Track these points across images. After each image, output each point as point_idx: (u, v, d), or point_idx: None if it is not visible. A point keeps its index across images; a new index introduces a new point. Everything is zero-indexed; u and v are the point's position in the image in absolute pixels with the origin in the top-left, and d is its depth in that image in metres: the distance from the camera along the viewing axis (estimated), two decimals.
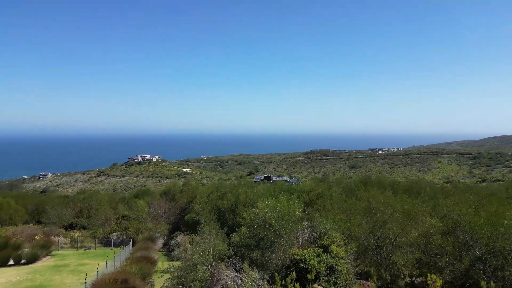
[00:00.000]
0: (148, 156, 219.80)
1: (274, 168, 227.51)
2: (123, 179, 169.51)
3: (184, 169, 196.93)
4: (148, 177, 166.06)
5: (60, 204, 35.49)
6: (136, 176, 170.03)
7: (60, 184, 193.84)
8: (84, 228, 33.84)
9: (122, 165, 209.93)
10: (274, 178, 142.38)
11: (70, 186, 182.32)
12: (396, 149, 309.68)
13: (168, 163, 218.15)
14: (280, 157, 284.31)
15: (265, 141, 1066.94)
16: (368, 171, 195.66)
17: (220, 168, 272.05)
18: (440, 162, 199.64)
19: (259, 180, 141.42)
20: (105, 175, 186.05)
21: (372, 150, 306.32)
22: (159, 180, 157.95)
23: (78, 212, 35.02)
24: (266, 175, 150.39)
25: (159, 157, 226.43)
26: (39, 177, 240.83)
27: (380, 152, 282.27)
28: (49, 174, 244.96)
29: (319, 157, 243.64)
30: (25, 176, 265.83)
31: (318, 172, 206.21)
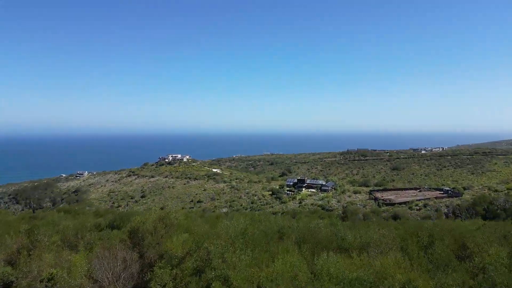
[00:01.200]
0: (179, 156, 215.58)
1: (308, 169, 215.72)
2: (152, 179, 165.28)
3: (214, 169, 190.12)
4: (177, 177, 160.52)
5: None
6: (166, 177, 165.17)
7: (92, 184, 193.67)
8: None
9: (153, 165, 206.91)
10: (308, 181, 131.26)
11: (101, 186, 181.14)
12: (440, 149, 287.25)
13: (198, 163, 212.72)
14: (314, 157, 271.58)
15: (298, 141, 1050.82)
16: (412, 173, 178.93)
17: (252, 168, 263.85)
18: (496, 164, 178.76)
19: (291, 183, 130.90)
20: (135, 175, 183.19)
21: (414, 150, 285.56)
22: (187, 181, 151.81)
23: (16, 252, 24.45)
24: (299, 177, 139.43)
25: (189, 157, 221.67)
26: (76, 176, 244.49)
27: (423, 152, 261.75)
28: (86, 173, 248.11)
29: (357, 158, 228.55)
30: (63, 175, 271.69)
31: (356, 174, 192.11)
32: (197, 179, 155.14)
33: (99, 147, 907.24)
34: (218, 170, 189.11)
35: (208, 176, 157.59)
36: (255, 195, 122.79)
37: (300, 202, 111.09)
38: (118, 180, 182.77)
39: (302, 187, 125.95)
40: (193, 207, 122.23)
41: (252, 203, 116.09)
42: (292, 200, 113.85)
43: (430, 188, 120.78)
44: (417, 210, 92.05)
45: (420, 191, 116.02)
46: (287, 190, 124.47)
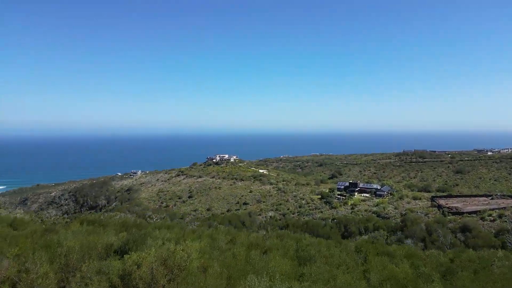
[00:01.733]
0: (226, 156, 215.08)
1: (360, 172, 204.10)
2: (199, 179, 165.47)
3: (261, 170, 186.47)
4: (224, 178, 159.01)
5: None
6: (213, 177, 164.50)
7: (143, 183, 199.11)
8: None
9: (201, 165, 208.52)
10: (361, 185, 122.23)
11: (152, 185, 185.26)
12: (510, 150, 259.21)
13: (245, 163, 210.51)
14: (366, 158, 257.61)
15: (348, 140, 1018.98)
16: (480, 177, 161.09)
17: (300, 170, 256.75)
18: None
19: (342, 187, 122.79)
20: (184, 175, 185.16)
21: (479, 151, 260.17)
22: (234, 182, 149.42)
23: None
24: (351, 181, 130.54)
25: (236, 157, 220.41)
26: (130, 175, 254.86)
27: (490, 153, 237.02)
28: (139, 172, 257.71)
29: (414, 159, 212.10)
30: (119, 174, 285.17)
31: (414, 178, 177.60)
32: (243, 180, 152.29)
33: (156, 146, 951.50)
34: (265, 171, 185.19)
35: (255, 177, 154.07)
36: (303, 199, 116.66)
37: (352, 208, 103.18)
38: (168, 179, 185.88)
39: (354, 191, 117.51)
40: (239, 209, 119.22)
41: (299, 207, 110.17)
42: (344, 205, 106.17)
43: (504, 196, 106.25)
44: (490, 221, 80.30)
45: (492, 199, 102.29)
46: (338, 194, 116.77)
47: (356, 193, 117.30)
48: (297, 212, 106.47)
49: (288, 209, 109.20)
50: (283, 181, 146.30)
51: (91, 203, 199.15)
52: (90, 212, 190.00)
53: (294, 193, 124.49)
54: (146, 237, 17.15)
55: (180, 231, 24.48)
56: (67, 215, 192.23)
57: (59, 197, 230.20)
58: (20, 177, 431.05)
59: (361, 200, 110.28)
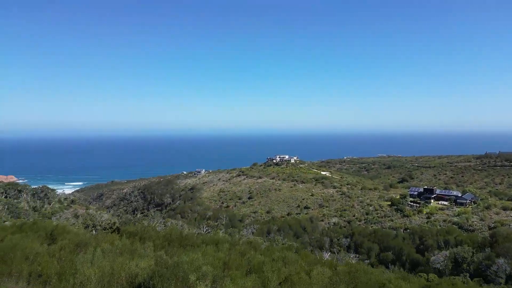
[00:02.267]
0: (287, 157, 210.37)
1: (434, 176, 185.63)
2: (259, 180, 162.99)
3: (323, 172, 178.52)
4: (284, 179, 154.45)
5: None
6: (272, 178, 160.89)
7: (206, 182, 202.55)
8: None
9: (261, 165, 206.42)
10: (438, 191, 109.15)
11: (213, 184, 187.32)
12: None
13: (306, 164, 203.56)
14: (441, 160, 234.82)
15: (419, 141, 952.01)
16: None
17: (365, 172, 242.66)
18: None
19: (415, 192, 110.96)
20: (245, 175, 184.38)
21: None
22: (294, 184, 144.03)
23: None
24: (426, 186, 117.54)
25: (297, 158, 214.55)
26: (194, 173, 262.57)
27: None
28: (203, 171, 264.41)
29: (499, 163, 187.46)
30: (184, 172, 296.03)
31: (500, 183, 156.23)
32: (304, 182, 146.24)
33: (220, 146, 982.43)
34: (327, 173, 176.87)
35: (316, 180, 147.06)
36: (371, 205, 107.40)
37: (428, 217, 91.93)
38: (229, 179, 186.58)
39: (430, 198, 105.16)
40: (299, 213, 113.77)
41: (366, 214, 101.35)
42: (418, 213, 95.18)
43: None
44: None
45: None
46: (411, 201, 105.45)
47: (432, 201, 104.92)
48: (364, 220, 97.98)
49: (353, 216, 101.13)
50: (347, 184, 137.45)
51: (157, 200, 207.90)
52: (157, 209, 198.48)
53: (360, 198, 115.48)
54: (176, 269, 13.17)
55: (227, 253, 20.25)
56: (135, 211, 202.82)
57: (129, 194, 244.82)
58: (97, 174, 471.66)
59: (439, 209, 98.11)
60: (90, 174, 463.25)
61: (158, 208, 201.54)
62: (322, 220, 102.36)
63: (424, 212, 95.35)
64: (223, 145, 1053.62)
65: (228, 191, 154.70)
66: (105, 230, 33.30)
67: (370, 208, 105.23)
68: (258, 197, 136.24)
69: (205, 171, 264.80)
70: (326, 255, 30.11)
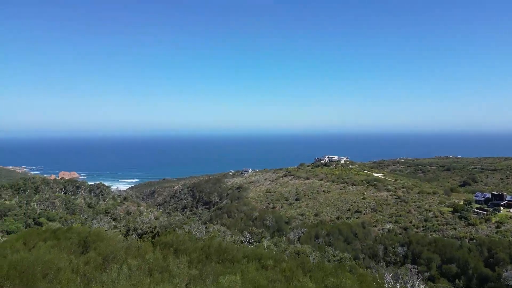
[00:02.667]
0: (336, 157, 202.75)
1: (501, 180, 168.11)
2: (307, 181, 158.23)
3: (375, 174, 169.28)
4: (332, 181, 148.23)
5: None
6: (321, 180, 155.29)
7: (252, 182, 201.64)
8: None
9: (308, 165, 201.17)
10: (508, 197, 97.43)
11: (260, 184, 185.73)
12: None
13: (356, 165, 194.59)
14: (508, 162, 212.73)
15: (480, 141, 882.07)
16: None
17: (422, 174, 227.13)
18: None
19: (481, 198, 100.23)
20: (291, 175, 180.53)
21: None
22: (344, 186, 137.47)
23: None
24: (494, 192, 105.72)
25: (347, 158, 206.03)
26: (242, 172, 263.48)
27: None
28: (250, 170, 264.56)
29: None
30: (232, 171, 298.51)
31: None
32: (355, 185, 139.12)
33: (268, 145, 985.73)
34: (380, 175, 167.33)
35: (368, 182, 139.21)
36: (430, 211, 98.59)
37: (497, 227, 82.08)
38: (275, 179, 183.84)
39: (499, 205, 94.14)
40: (350, 217, 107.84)
41: (425, 220, 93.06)
42: (485, 222, 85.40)
43: None
44: None
45: None
46: (476, 208, 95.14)
47: (502, 208, 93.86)
48: (422, 227, 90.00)
49: (410, 222, 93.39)
50: (402, 187, 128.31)
51: (205, 199, 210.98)
52: (205, 207, 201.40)
53: (418, 203, 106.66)
54: None
55: (271, 273, 17.24)
56: (184, 209, 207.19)
57: (179, 191, 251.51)
58: (150, 172, 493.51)
59: (510, 217, 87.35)
60: (144, 172, 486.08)
61: (206, 206, 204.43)
62: (375, 226, 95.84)
63: (493, 221, 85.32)
64: (268, 144, 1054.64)
65: (275, 192, 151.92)
66: (146, 234, 32.01)
67: (429, 214, 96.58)
68: (306, 198, 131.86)
69: (252, 170, 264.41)
70: (388, 277, 25.90)
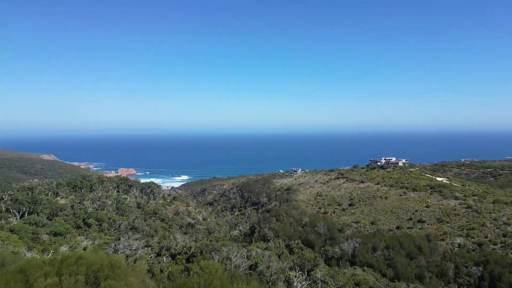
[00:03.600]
0: (393, 159, 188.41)
1: None
2: (361, 185, 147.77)
3: (438, 178, 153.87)
4: (390, 186, 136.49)
5: None
6: (377, 184, 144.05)
7: (302, 184, 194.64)
8: None
9: (363, 167, 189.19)
10: None
11: (310, 186, 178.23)
12: None
13: (416, 168, 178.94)
14: None
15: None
16: None
17: (492, 179, 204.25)
18: None
19: None
20: (344, 178, 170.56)
21: None
22: (404, 192, 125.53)
23: None
24: None
25: (406, 160, 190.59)
26: (291, 173, 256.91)
27: None
28: (299, 170, 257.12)
29: None
30: (281, 171, 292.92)
31: None
32: (416, 190, 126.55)
33: (317, 144, 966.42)
34: (444, 179, 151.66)
35: (432, 188, 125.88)
36: (509, 224, 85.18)
37: None
38: (326, 182, 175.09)
39: None
40: (411, 227, 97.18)
41: (504, 236, 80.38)
42: None
43: None
44: None
45: None
46: None
47: None
48: (501, 243, 77.65)
49: (485, 237, 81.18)
50: (473, 195, 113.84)
51: (254, 199, 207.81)
52: (254, 208, 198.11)
53: (493, 214, 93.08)
54: None
55: None
56: (233, 209, 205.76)
57: (228, 190, 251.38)
58: (202, 169, 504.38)
59: None
60: (196, 169, 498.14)
61: (255, 207, 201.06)
62: (443, 240, 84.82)
63: None
64: (320, 143, 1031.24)
65: (326, 195, 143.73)
66: (179, 255, 27.72)
67: (509, 228, 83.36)
68: (361, 204, 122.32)
69: (302, 170, 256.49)
70: None
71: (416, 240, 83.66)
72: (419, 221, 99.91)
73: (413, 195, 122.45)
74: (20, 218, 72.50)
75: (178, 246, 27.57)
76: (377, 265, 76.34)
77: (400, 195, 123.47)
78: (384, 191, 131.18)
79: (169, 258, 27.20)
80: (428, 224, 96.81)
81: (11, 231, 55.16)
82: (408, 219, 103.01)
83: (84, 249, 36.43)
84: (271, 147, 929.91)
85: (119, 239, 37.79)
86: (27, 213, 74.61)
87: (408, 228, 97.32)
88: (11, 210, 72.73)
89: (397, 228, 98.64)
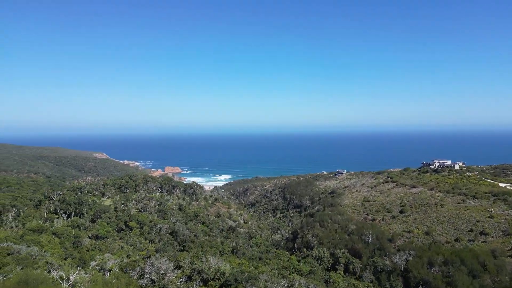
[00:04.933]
0: (448, 162, 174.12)
1: None
2: (413, 190, 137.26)
3: (501, 184, 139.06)
4: (446, 192, 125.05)
5: None
6: (431, 189, 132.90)
7: (347, 187, 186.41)
8: None
9: (414, 171, 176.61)
10: None
11: (356, 190, 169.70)
12: None
13: (475, 172, 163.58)
14: None
15: None
16: None
17: None
18: None
19: None
20: (394, 182, 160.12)
21: None
22: (462, 200, 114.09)
23: None
24: None
25: (462, 163, 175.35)
26: (335, 174, 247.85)
27: None
28: (344, 172, 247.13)
29: None
30: (324, 172, 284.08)
31: None
32: (477, 198, 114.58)
33: (365, 145, 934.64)
34: (508, 185, 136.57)
35: (495, 195, 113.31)
36: None
37: None
38: (374, 185, 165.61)
39: None
40: (472, 240, 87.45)
41: None
42: None
43: None
44: None
45: None
46: None
47: None
48: None
49: None
50: None
51: (296, 201, 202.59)
52: (296, 211, 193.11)
53: None
54: None
55: None
56: (275, 210, 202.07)
57: (270, 191, 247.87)
58: (243, 168, 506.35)
59: None
60: (238, 168, 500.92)
61: (297, 209, 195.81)
62: (511, 256, 74.83)
63: None
64: (365, 144, 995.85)
65: (374, 201, 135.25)
66: (212, 280, 24.59)
67: None
68: (413, 212, 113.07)
69: (347, 172, 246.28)
70: None
71: (480, 255, 74.66)
72: (482, 233, 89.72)
73: (473, 203, 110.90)
74: (67, 218, 74.44)
75: (211, 270, 24.58)
76: (434, 282, 68.96)
77: (458, 203, 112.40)
78: (439, 197, 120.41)
79: (201, 284, 24.24)
80: (493, 238, 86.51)
81: (54, 234, 56.26)
82: (468, 231, 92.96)
83: (109, 270, 34.86)
84: (314, 147, 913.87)
85: (149, 257, 35.87)
86: (74, 214, 76.53)
87: (469, 241, 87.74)
88: (58, 211, 75.05)
89: (456, 240, 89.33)
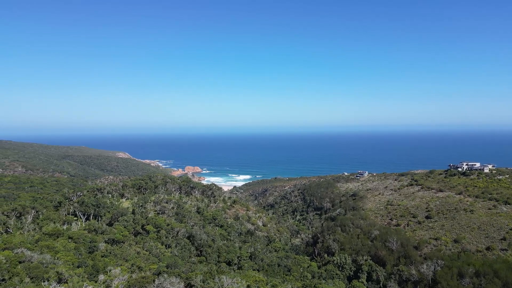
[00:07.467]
0: (477, 164, 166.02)
1: None
2: (440, 194, 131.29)
3: None
4: (476, 197, 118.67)
5: None
6: (459, 194, 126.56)
7: (370, 189, 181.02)
8: None
9: (441, 174, 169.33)
10: None
11: (379, 193, 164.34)
12: None
13: (507, 176, 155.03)
14: None
15: None
16: None
17: None
18: None
19: None
20: (419, 185, 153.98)
21: None
22: (494, 205, 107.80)
23: None
24: None
25: (493, 166, 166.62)
26: (356, 176, 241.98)
27: None
28: (366, 174, 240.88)
29: None
30: (345, 173, 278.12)
31: None
32: (509, 204, 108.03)
33: (388, 145, 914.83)
34: None
35: None
36: None
37: None
38: (398, 189, 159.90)
39: None
40: (506, 250, 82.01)
41: None
42: None
43: None
44: None
45: None
46: None
47: None
48: None
49: None
50: None
51: (316, 203, 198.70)
52: (316, 213, 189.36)
53: None
54: None
55: None
56: (294, 212, 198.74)
57: (290, 193, 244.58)
58: (262, 168, 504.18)
59: None
60: (257, 168, 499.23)
61: (317, 212, 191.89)
62: None
63: None
64: (387, 144, 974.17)
65: (398, 205, 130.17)
66: None
67: None
68: (440, 217, 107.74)
69: (368, 173, 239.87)
70: None
71: None
72: None
73: (505, 209, 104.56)
74: (86, 220, 74.45)
75: None
76: None
77: (489, 209, 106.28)
78: (468, 202, 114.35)
79: None
80: None
81: (70, 238, 55.98)
82: (501, 239, 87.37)
83: None
84: (334, 146, 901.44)
85: (159, 274, 34.30)
86: (92, 216, 76.52)
87: (502, 250, 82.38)
88: (77, 212, 75.22)
89: (487, 249, 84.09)
